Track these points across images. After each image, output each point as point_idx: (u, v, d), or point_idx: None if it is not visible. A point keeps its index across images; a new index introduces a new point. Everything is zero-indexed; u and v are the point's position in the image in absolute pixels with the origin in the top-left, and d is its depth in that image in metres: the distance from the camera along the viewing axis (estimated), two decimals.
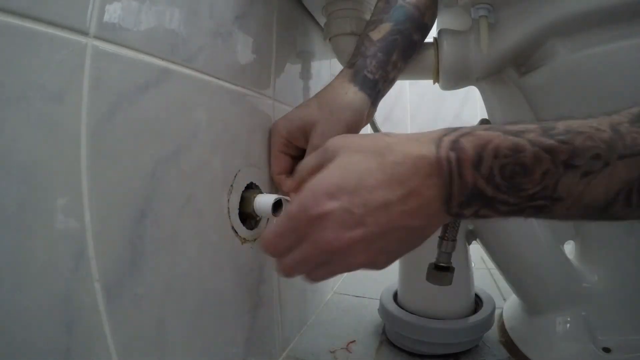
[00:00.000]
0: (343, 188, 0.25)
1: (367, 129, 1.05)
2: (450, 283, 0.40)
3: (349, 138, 0.28)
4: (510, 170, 0.23)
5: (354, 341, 0.53)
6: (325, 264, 0.28)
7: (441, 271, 0.40)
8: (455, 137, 0.24)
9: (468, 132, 0.24)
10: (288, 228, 0.27)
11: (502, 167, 0.23)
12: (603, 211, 0.23)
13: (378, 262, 0.27)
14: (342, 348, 0.51)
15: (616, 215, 0.24)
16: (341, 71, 0.44)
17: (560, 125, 0.23)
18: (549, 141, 0.23)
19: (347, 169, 0.26)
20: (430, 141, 0.25)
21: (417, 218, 0.25)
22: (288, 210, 0.27)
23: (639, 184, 0.22)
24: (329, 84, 0.43)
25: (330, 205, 0.25)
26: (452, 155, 0.23)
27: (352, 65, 0.43)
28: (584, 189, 0.23)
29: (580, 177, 0.23)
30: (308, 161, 0.30)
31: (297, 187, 0.29)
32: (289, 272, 0.29)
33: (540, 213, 0.24)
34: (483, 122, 0.47)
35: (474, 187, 0.23)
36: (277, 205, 0.39)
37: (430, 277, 0.41)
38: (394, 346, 0.52)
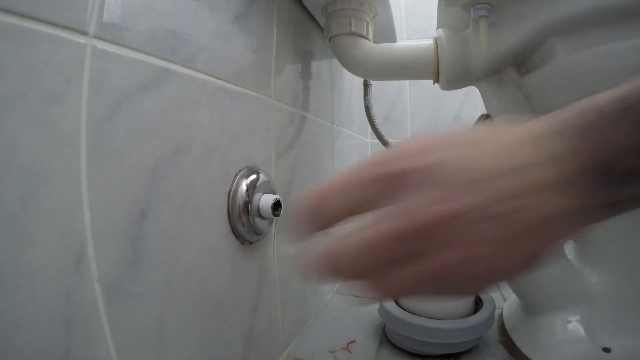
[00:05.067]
0: (433, 147, 0.17)
1: (368, 130, 1.05)
2: None
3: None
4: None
5: (354, 341, 0.53)
6: (410, 259, 0.16)
7: None
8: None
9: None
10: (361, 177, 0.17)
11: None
12: None
13: (478, 260, 0.16)
14: (342, 348, 0.51)
15: None
16: None
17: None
18: None
19: (432, 137, 0.18)
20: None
21: (529, 210, 0.16)
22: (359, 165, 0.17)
23: None
24: None
25: (422, 160, 0.17)
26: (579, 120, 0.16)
27: None
28: None
29: None
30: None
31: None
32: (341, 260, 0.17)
33: None
34: (483, 117, 0.47)
35: (623, 147, 0.15)
36: (277, 206, 0.39)
37: None
38: (394, 346, 0.52)
